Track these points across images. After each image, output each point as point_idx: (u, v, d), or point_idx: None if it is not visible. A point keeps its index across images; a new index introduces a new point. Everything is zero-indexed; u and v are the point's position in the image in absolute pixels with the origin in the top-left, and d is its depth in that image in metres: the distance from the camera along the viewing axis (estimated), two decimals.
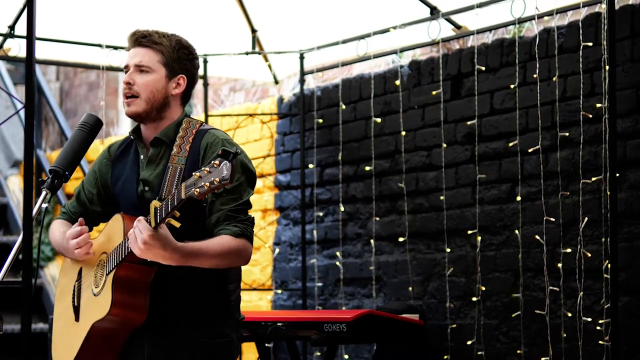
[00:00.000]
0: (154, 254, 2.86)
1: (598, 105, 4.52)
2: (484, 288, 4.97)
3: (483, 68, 5.07)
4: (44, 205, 2.98)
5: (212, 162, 2.65)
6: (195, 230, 2.96)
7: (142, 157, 3.19)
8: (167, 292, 3.05)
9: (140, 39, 3.14)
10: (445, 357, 5.09)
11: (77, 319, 3.16)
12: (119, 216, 3.09)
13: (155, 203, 2.81)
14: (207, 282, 3.07)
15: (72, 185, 7.79)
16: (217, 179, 2.63)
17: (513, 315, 4.81)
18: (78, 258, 3.18)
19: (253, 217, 3.09)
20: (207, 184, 2.64)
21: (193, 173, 2.69)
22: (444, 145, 5.22)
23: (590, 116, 4.56)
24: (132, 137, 3.23)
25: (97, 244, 3.18)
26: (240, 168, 3.05)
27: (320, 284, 5.87)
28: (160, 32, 3.18)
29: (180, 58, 3.17)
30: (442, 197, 5.20)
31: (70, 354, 3.11)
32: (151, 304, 3.02)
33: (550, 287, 4.62)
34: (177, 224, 2.78)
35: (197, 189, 2.65)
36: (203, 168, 2.67)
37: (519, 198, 4.84)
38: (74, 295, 3.21)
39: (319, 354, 5.82)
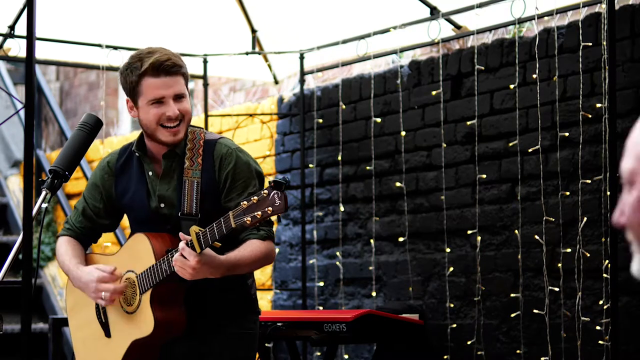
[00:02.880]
0: (203, 274, 2.97)
1: (598, 105, 4.52)
2: (483, 288, 4.97)
3: (483, 68, 5.07)
4: (44, 205, 2.99)
5: (261, 191, 2.76)
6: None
7: (149, 173, 3.23)
8: (198, 298, 3.16)
9: (171, 69, 3.16)
10: (445, 357, 5.09)
11: (107, 334, 3.26)
12: (143, 237, 3.14)
13: (194, 228, 2.91)
14: (232, 283, 3.18)
15: (72, 185, 7.79)
16: (271, 209, 2.73)
17: (513, 315, 4.81)
18: (97, 301, 3.23)
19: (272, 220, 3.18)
20: (259, 213, 2.74)
21: (241, 202, 2.79)
22: (444, 145, 5.22)
23: (590, 116, 4.56)
24: (137, 154, 3.26)
25: (120, 262, 3.24)
26: (255, 175, 3.18)
27: (320, 284, 5.87)
28: (175, 54, 3.22)
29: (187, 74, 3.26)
30: (442, 197, 5.20)
31: None
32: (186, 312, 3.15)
33: (550, 287, 4.62)
34: (219, 245, 2.90)
35: (249, 218, 2.75)
36: (251, 197, 2.77)
37: (518, 198, 4.84)
38: (97, 310, 3.28)
39: (319, 354, 5.82)
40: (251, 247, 3.08)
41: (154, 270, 3.06)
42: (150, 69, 3.13)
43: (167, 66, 3.15)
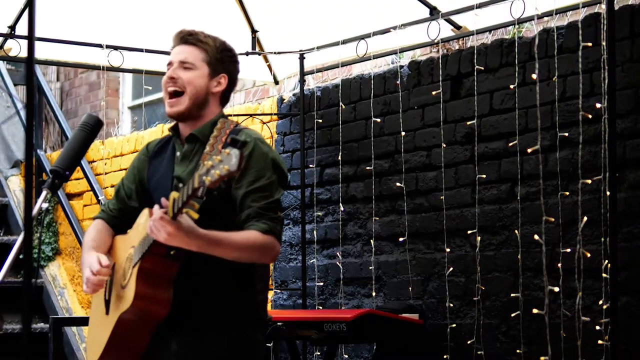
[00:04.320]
0: (179, 241, 2.87)
1: (597, 105, 4.52)
2: (483, 288, 4.97)
3: (482, 68, 5.07)
4: (45, 205, 2.99)
5: (224, 150, 2.65)
6: (211, 227, 2.95)
7: (178, 153, 3.22)
8: (192, 290, 3.08)
9: (187, 37, 3.20)
10: (445, 356, 5.10)
11: (107, 312, 3.19)
12: (145, 211, 3.09)
13: (174, 194, 2.82)
14: (233, 281, 3.10)
15: (73, 185, 7.80)
16: (227, 167, 2.62)
17: (512, 315, 4.81)
18: (86, 289, 3.20)
19: (282, 217, 3.11)
20: (217, 172, 2.63)
21: (204, 162, 2.69)
22: (444, 145, 5.22)
23: (590, 116, 4.56)
24: (170, 133, 3.27)
25: (128, 239, 3.21)
26: (272, 167, 3.09)
27: (320, 284, 5.87)
28: (205, 33, 3.23)
29: (223, 58, 3.24)
30: (441, 197, 5.20)
31: (99, 346, 3.15)
32: (176, 301, 3.04)
33: (550, 287, 4.62)
34: (196, 215, 2.77)
35: (209, 177, 2.64)
36: (214, 157, 2.66)
37: (518, 198, 4.85)
38: (105, 289, 3.24)
39: (319, 353, 5.83)
40: (244, 234, 2.98)
41: (144, 241, 3.00)
42: (174, 39, 3.22)
43: (184, 35, 3.19)
